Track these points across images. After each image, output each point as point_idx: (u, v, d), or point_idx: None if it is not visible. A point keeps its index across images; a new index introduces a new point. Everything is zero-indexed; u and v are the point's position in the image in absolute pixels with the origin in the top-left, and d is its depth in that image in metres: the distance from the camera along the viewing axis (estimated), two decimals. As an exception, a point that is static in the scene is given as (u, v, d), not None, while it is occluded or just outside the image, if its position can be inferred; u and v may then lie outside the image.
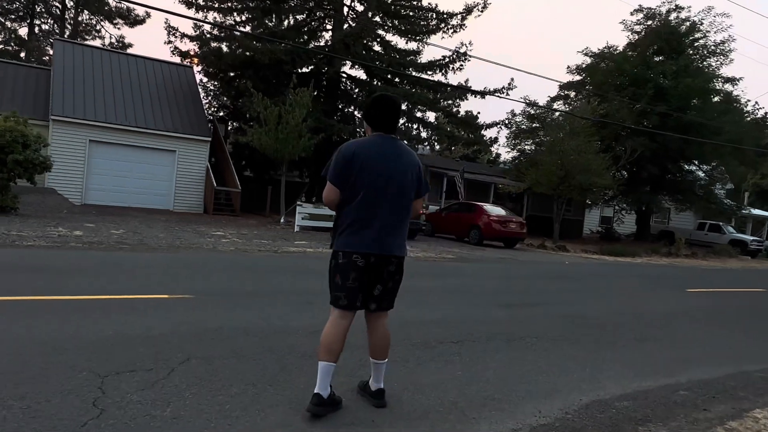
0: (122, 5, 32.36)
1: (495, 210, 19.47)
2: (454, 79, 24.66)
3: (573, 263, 15.92)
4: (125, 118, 19.05)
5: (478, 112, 36.17)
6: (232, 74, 22.10)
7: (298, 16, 22.69)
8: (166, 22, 24.95)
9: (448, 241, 19.15)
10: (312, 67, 22.45)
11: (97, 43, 33.58)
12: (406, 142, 21.99)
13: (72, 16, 34.41)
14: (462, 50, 21.38)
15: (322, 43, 22.71)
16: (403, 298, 6.39)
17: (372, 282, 2.95)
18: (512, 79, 23.56)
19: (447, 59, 22.20)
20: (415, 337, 4.93)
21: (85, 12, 34.69)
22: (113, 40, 34.69)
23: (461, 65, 21.65)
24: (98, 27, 34.95)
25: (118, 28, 35.53)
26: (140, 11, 34.10)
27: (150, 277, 6.84)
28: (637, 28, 27.43)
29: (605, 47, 27.87)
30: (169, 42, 21.72)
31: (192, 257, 9.07)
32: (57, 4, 34.06)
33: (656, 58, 26.61)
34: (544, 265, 14.26)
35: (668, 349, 5.52)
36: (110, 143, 18.72)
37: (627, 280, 12.34)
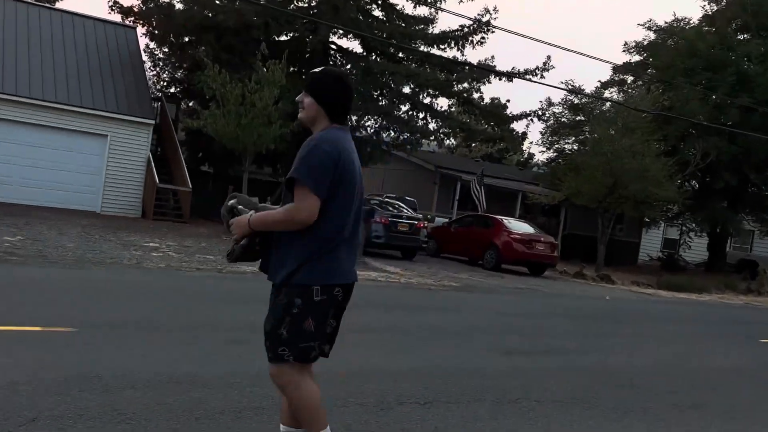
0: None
1: (518, 226, 19.84)
2: (473, 56, 24.24)
3: (616, 299, 16.01)
4: (41, 90, 19.00)
5: (507, 100, 35.75)
6: (186, 39, 22.06)
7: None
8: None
9: (457, 263, 19.45)
10: (292, 34, 22.63)
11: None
12: (408, 135, 22.19)
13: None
14: (484, 19, 21.30)
15: (305, 4, 22.72)
16: (368, 339, 6.55)
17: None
18: (549, 58, 23.42)
19: (465, 30, 22.20)
20: (369, 393, 4.72)
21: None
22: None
23: (483, 38, 21.73)
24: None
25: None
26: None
27: (28, 300, 6.66)
28: (719, -4, 27.32)
29: (674, 20, 28.14)
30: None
31: (101, 276, 9.04)
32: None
33: (739, 37, 26.79)
34: (577, 300, 14.40)
35: (719, 421, 5.31)
36: (17, 122, 18.68)
37: (684, 324, 12.43)
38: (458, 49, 22.34)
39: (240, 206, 3.01)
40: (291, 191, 2.81)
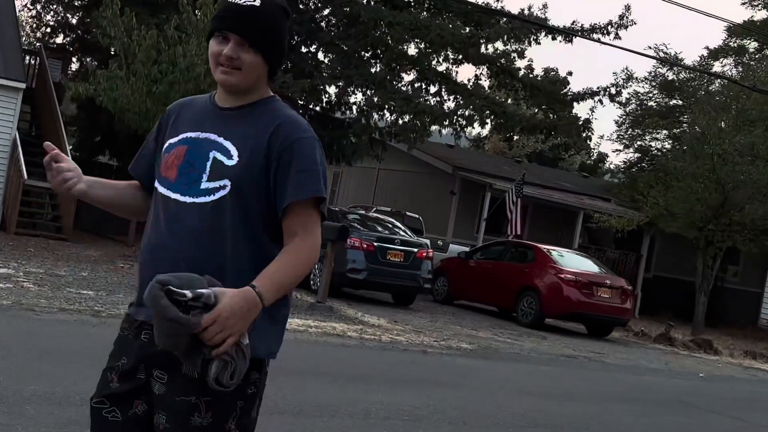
0: None
1: (574, 261, 20.10)
2: (514, 4, 24.46)
3: (714, 377, 16.16)
4: None
5: (569, 73, 35.46)
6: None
7: None
8: None
9: (478, 314, 19.95)
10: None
11: None
12: (411, 117, 22.06)
13: None
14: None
15: None
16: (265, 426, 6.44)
17: None
18: (628, 9, 23.26)
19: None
20: None
21: None
22: None
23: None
24: None
25: None
26: None
27: None
28: None
29: None
30: None
31: None
32: None
33: None
34: (654, 376, 14.54)
35: None
36: None
37: None
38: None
39: (185, 290, 2.48)
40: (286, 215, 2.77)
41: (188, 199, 2.76)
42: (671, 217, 22.76)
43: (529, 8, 23.95)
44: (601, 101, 24.83)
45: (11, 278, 12.87)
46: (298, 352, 10.65)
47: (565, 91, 26.65)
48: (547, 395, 10.58)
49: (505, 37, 23.07)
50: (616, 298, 19.27)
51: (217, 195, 2.74)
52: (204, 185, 2.76)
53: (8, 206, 20.36)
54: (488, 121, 25.48)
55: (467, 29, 23.25)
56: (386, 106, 22.87)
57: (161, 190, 2.84)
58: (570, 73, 34.41)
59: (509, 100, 28.29)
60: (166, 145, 2.91)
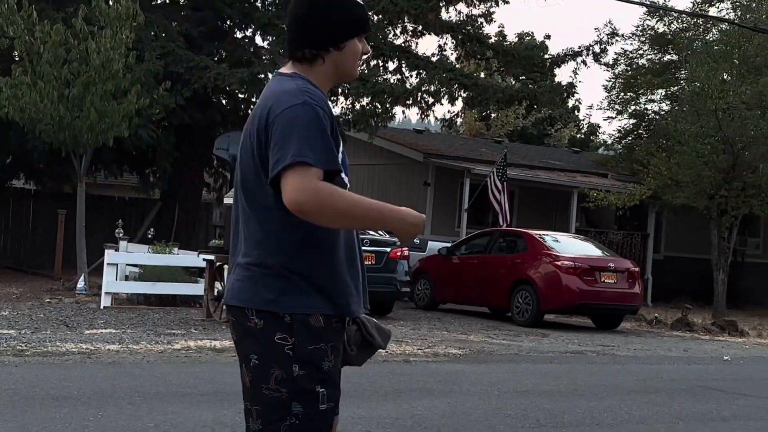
0: None
1: (571, 246, 20.51)
2: None
3: (741, 359, 16.32)
4: None
5: (547, 36, 36.00)
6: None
7: None
8: None
9: (469, 317, 20.28)
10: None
11: None
12: (368, 101, 22.05)
13: None
14: None
15: None
16: None
17: None
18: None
19: None
20: None
21: None
22: None
23: None
24: None
25: None
26: None
27: None
28: None
29: None
30: None
31: None
32: None
33: None
34: (672, 365, 14.80)
35: None
36: None
37: None
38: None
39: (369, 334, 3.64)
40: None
41: None
42: (677, 187, 23.20)
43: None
44: (584, 62, 25.27)
45: None
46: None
47: (544, 56, 26.80)
48: (551, 393, 10.54)
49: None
50: (623, 283, 19.47)
51: None
52: None
53: None
54: (458, 95, 25.64)
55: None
56: (339, 90, 22.84)
57: (347, 180, 3.46)
58: (548, 37, 34.91)
59: (481, 73, 28.28)
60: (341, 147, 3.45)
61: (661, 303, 26.13)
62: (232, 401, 8.50)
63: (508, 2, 24.20)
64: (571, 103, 43.45)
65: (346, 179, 3.45)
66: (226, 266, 15.56)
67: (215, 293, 16.19)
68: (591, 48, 25.10)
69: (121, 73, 18.13)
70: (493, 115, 39.70)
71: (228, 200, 16.18)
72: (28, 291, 18.78)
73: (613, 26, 27.57)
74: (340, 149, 3.39)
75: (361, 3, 3.52)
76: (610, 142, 33.81)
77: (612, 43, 26.05)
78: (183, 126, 23.60)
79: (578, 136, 44.75)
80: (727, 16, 26.53)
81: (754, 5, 26.21)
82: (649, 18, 26.95)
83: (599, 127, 42.02)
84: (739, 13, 25.99)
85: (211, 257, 16.13)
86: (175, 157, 24.68)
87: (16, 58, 18.69)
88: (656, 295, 27.31)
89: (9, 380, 9.43)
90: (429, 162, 27.48)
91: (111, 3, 18.24)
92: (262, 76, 23.18)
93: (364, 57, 3.54)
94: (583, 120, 46.26)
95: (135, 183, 28.25)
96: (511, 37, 27.95)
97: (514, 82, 26.36)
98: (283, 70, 3.48)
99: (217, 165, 27.40)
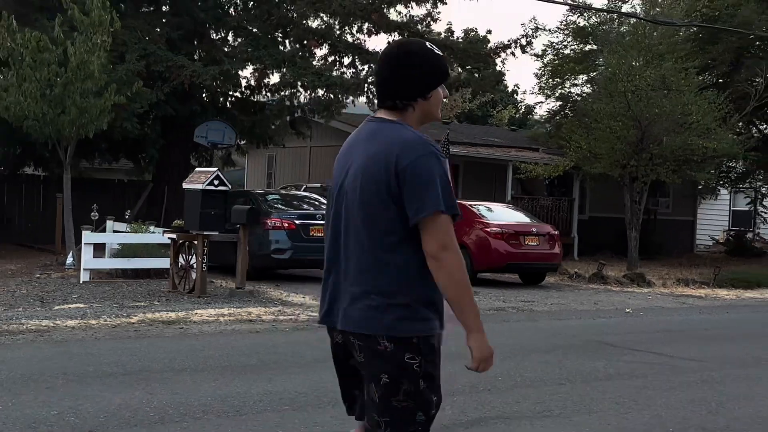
0: None
1: (500, 214, 20.76)
2: None
3: (643, 310, 16.44)
4: None
5: (489, 31, 36.02)
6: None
7: None
8: None
9: None
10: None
11: None
12: (321, 91, 21.70)
13: None
14: None
15: None
16: None
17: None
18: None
19: None
20: None
21: None
22: None
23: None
24: None
25: None
26: None
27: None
28: None
29: None
30: None
31: None
32: None
33: None
34: (579, 319, 14.79)
35: None
36: None
37: (735, 343, 12.71)
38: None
39: None
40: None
41: None
42: (595, 159, 23.67)
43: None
44: (513, 53, 25.11)
45: None
46: (196, 346, 10.46)
47: (485, 48, 26.26)
48: (456, 356, 9.67)
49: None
50: (545, 245, 19.98)
51: None
52: None
53: None
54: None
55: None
56: (299, 83, 23.17)
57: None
58: (489, 32, 34.27)
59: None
60: None
61: (586, 257, 26.17)
62: (150, 380, 8.25)
63: (446, 3, 24.26)
64: (510, 87, 43.93)
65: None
66: (188, 243, 15.52)
67: (179, 266, 15.83)
68: (518, 41, 24.95)
69: (95, 72, 17.78)
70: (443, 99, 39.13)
71: (187, 185, 15.74)
72: (25, 267, 18.55)
73: (536, 22, 28.00)
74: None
75: (440, 54, 3.57)
76: (541, 121, 33.95)
77: (536, 37, 26.14)
78: (167, 117, 23.43)
79: (516, 116, 45.45)
80: (636, 11, 26.80)
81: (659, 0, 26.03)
82: (571, 14, 27.11)
83: (534, 108, 42.60)
84: (646, 7, 26.16)
85: (174, 236, 15.80)
86: (162, 144, 24.58)
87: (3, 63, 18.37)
88: (582, 250, 27.75)
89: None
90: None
91: (85, 13, 17.70)
92: (233, 72, 23.31)
93: (445, 100, 3.66)
94: (521, 102, 47.05)
95: (130, 167, 28.55)
96: (458, 33, 27.71)
97: (460, 72, 25.70)
98: (380, 115, 3.55)
99: (199, 150, 26.79)
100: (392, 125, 3.47)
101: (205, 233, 15.37)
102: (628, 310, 16.08)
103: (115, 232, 18.66)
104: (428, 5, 24.32)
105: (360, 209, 3.41)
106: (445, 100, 3.68)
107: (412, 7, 23.84)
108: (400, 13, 23.63)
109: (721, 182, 29.83)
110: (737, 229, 33.21)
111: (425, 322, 3.39)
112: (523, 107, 47.01)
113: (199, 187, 15.45)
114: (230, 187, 16.72)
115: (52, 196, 24.48)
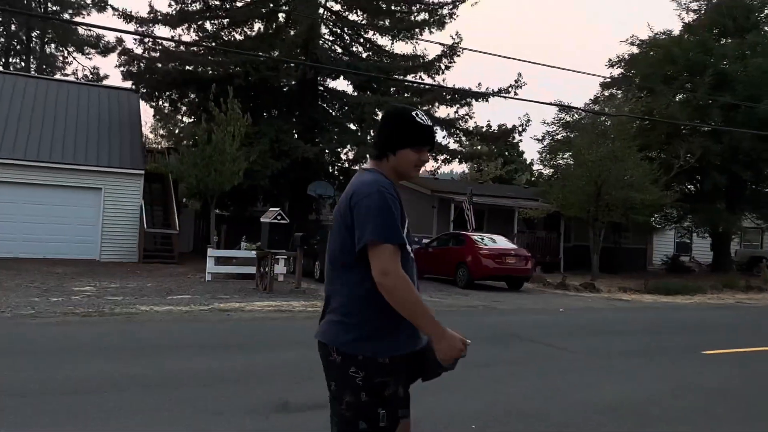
0: (91, 33, 47.43)
1: (492, 242, 24.72)
2: (460, 82, 32.73)
3: (576, 309, 16.95)
4: (37, 152, 26.30)
5: (488, 122, 45.48)
6: (169, 94, 30.99)
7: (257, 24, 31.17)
8: (120, 44, 33.92)
9: (435, 283, 23.15)
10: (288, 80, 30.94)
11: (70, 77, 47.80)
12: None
13: (38, 49, 51.05)
14: (455, 43, 30.24)
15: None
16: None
17: None
18: (520, 75, 32.89)
19: (439, 55, 31.10)
20: None
21: (52, 45, 51.06)
22: (87, 72, 50.14)
23: (450, 63, 31.00)
24: (69, 59, 51.72)
25: (90, 58, 52.75)
26: (110, 37, 47.42)
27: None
28: (694, 5, 35.71)
29: (655, 34, 35.94)
30: (120, 66, 30.17)
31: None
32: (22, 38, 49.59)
33: (722, 41, 33.60)
34: (517, 316, 15.16)
35: None
36: (16, 183, 25.36)
37: (623, 336, 12.81)
38: (429, 76, 31.83)
39: None
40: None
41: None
42: (569, 206, 28.47)
43: (474, 86, 32.47)
44: (513, 136, 33.76)
45: (91, 292, 14.85)
46: (219, 328, 10.96)
47: (512, 135, 34.63)
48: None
49: (437, 102, 31.33)
50: (521, 262, 23.66)
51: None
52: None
53: (139, 245, 26.60)
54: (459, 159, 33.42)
55: (418, 98, 31.25)
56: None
57: (410, 250, 3.55)
58: (489, 122, 46.67)
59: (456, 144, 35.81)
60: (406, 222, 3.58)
61: (568, 272, 29.91)
62: (136, 356, 8.75)
63: (470, 105, 32.25)
64: (528, 160, 51.68)
65: (409, 248, 3.47)
66: (263, 257, 17.68)
67: (259, 272, 17.90)
68: (517, 128, 33.38)
69: (226, 154, 22.78)
70: (481, 168, 47.73)
71: (262, 219, 18.04)
72: (191, 271, 21.22)
73: (528, 116, 35.17)
74: (405, 225, 3.43)
75: (423, 124, 3.52)
76: (543, 182, 37.16)
77: (528, 126, 33.80)
78: (294, 179, 30.25)
79: (531, 179, 51.81)
80: (598, 107, 32.66)
81: (618, 100, 32.51)
82: (560, 113, 33.57)
83: (542, 173, 47.75)
84: (606, 108, 32.01)
85: (253, 254, 18.46)
86: (290, 197, 31.85)
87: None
88: (567, 267, 32.19)
89: (39, 334, 9.88)
90: (433, 195, 33.81)
91: (224, 116, 23.15)
92: (327, 151, 30.65)
93: (419, 166, 3.56)
94: (535, 170, 51.90)
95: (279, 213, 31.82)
96: (482, 124, 37.78)
97: (477, 148, 34.19)
98: (365, 166, 3.61)
99: (311, 201, 32.60)
100: (366, 171, 3.50)
101: (273, 251, 17.41)
102: (561, 310, 16.40)
103: (245, 249, 20.43)
104: (464, 109, 31.68)
105: (331, 238, 3.48)
106: (423, 164, 3.58)
107: (451, 107, 31.04)
108: (453, 117, 30.62)
109: (664, 224, 35.01)
110: (676, 253, 38.84)
111: (374, 342, 3.30)
112: (537, 173, 50.62)
113: (268, 220, 17.38)
114: (288, 221, 18.32)
115: (231, 227, 27.36)
